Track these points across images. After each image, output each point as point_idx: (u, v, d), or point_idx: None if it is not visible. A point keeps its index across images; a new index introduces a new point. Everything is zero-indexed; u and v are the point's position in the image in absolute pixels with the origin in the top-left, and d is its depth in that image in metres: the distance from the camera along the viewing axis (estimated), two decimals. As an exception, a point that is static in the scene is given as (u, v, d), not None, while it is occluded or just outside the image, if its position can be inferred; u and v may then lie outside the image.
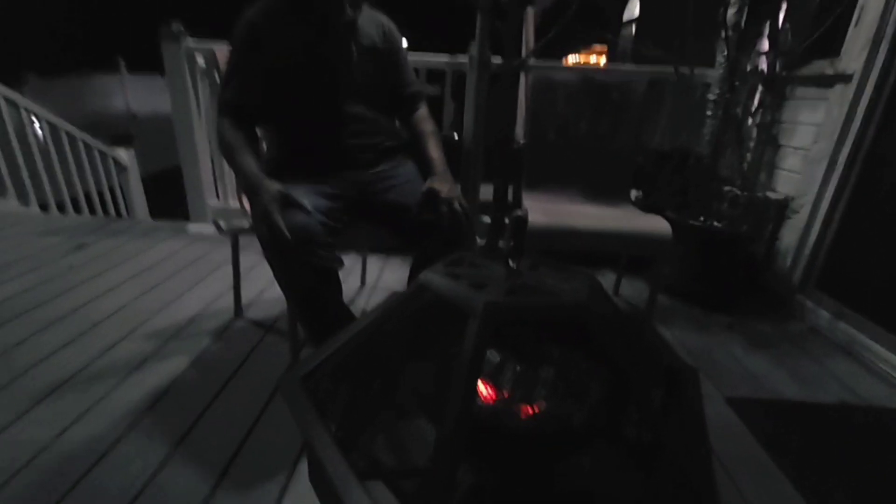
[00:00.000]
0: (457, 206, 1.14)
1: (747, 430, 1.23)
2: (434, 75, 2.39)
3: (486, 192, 2.37)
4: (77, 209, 3.17)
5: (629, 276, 2.17)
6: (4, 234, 2.39)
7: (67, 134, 3.05)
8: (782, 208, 1.96)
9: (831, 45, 1.83)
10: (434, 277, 0.68)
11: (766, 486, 1.06)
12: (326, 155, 1.23)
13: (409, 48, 1.41)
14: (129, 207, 3.53)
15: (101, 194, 3.33)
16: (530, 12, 3.83)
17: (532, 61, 2.14)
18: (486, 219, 2.39)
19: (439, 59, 2.22)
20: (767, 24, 1.93)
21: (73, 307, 1.68)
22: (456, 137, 2.28)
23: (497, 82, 2.13)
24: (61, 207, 3.06)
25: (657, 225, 1.51)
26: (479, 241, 2.40)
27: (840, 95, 1.76)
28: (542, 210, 1.59)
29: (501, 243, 2.32)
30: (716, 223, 1.90)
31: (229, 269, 1.66)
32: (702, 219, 1.91)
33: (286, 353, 1.43)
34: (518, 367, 0.76)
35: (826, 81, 1.83)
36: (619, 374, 0.72)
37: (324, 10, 1.18)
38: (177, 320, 1.63)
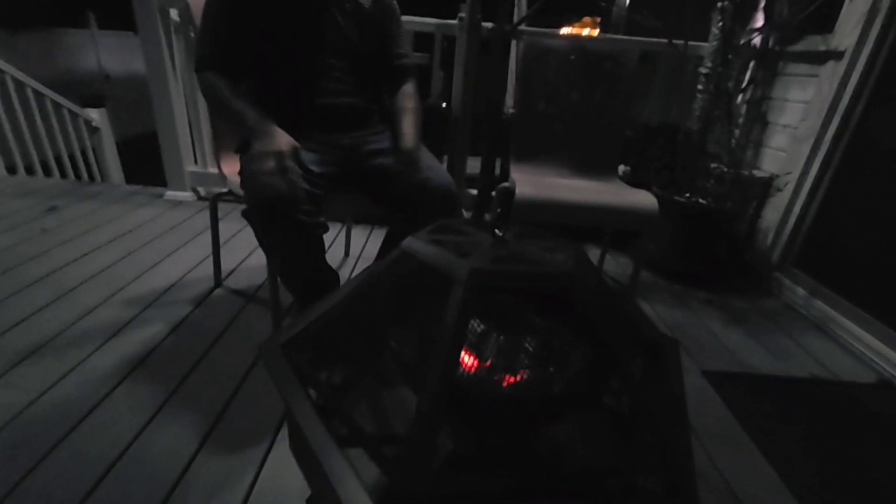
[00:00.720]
0: (412, 156, 1.12)
1: (722, 401, 1.27)
2: (423, 40, 2.31)
3: (475, 165, 2.34)
4: (47, 172, 3.04)
5: (613, 251, 2.19)
6: (-30, 196, 2.28)
7: (34, 92, 2.89)
8: (767, 186, 1.97)
9: (826, 21, 1.81)
10: (418, 244, 0.67)
11: (738, 456, 1.10)
12: (302, 113, 1.17)
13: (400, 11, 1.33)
14: (102, 171, 3.40)
15: (72, 157, 3.19)
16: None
17: (524, 26, 2.07)
18: (474, 191, 2.37)
19: (428, 21, 2.14)
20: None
21: (48, 270, 1.63)
22: (444, 106, 2.23)
23: (488, 49, 2.07)
24: (30, 171, 2.93)
25: (644, 199, 1.51)
26: (466, 214, 2.38)
27: (831, 72, 1.75)
28: (529, 182, 1.58)
29: (488, 215, 2.31)
30: (701, 200, 1.91)
31: (208, 236, 1.62)
32: (687, 195, 1.91)
33: (268, 321, 1.41)
34: (501, 337, 0.76)
35: (818, 58, 1.82)
36: (601, 345, 0.72)
37: None
38: (155, 287, 1.59)
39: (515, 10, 3.35)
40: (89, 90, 4.12)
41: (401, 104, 1.24)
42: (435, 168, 1.17)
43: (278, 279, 1.25)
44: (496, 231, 0.71)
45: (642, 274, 2.00)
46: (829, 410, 1.29)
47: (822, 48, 1.79)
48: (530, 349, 0.77)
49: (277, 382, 0.66)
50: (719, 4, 1.87)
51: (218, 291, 1.61)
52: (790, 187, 1.89)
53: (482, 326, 0.76)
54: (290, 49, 1.15)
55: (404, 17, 1.34)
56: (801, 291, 1.85)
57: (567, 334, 0.77)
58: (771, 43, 1.94)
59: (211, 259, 1.66)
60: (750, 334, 1.64)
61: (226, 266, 1.73)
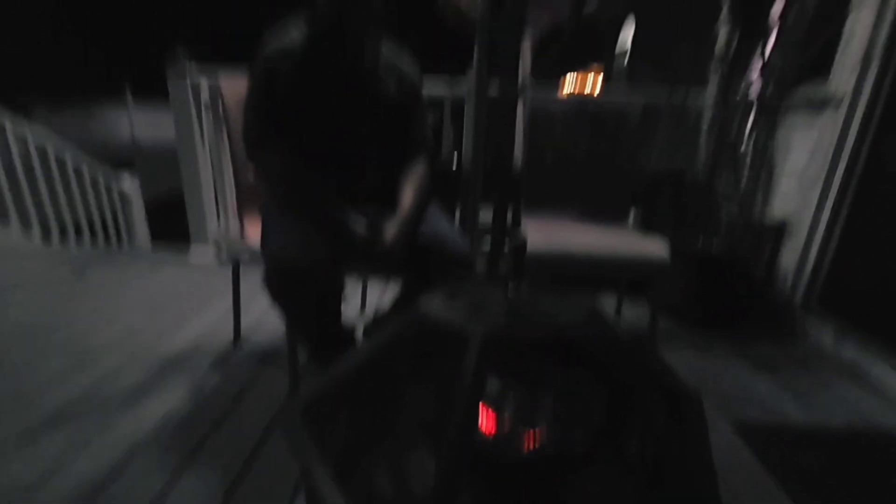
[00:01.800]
0: (391, 249, 1.12)
1: (754, 456, 1.21)
2: (432, 103, 2.44)
3: (487, 215, 2.39)
4: (79, 234, 3.19)
5: (631, 297, 2.16)
6: (7, 264, 2.40)
7: (72, 161, 3.10)
8: (780, 230, 1.97)
9: (821, 67, 1.87)
10: (432, 304, 0.69)
11: (776, 514, 1.04)
12: (336, 186, 1.22)
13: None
14: (130, 233, 3.55)
15: (103, 219, 3.36)
16: (527, 44, 3.94)
17: (529, 84, 2.18)
18: (486, 244, 2.40)
19: (438, 87, 2.26)
20: (759, 45, 1.98)
21: (72, 336, 1.68)
22: (455, 164, 2.31)
23: (495, 108, 2.17)
24: (63, 233, 3.08)
25: (654, 248, 1.52)
26: (480, 266, 2.41)
27: (832, 118, 1.79)
28: (540, 233, 1.60)
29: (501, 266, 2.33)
30: (715, 245, 1.90)
31: (229, 296, 1.66)
32: (700, 240, 1.92)
33: (285, 381, 1.41)
34: (519, 393, 0.75)
35: (817, 105, 1.86)
36: (620, 399, 0.71)
37: (343, 55, 1.17)
38: (176, 349, 1.62)
39: (520, 66, 3.54)
40: (121, 158, 4.40)
41: (409, 179, 1.27)
42: (450, 233, 1.21)
43: (294, 339, 1.27)
44: (509, 288, 0.72)
45: (661, 321, 1.97)
46: (871, 464, 1.22)
47: (820, 96, 1.84)
48: (549, 405, 0.76)
49: (295, 450, 0.66)
50: (715, 59, 1.95)
51: (237, 351, 1.63)
52: (803, 231, 1.88)
53: (500, 383, 0.76)
54: (326, 131, 1.21)
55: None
56: (828, 334, 1.79)
57: (586, 389, 0.76)
58: (769, 91, 2.00)
59: (230, 318, 1.70)
60: (780, 382, 1.57)
61: (245, 324, 1.76)
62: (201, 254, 2.49)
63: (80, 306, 1.91)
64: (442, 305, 0.70)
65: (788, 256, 1.97)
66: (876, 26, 1.64)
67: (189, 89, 2.21)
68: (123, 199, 3.50)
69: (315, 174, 1.19)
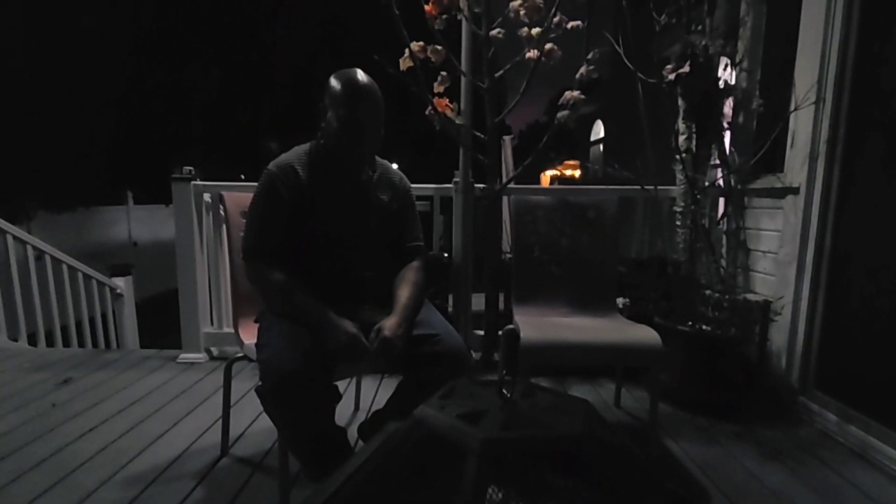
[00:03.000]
0: (388, 342, 1.13)
1: (776, 558, 1.14)
2: (422, 198, 2.59)
3: (478, 302, 2.43)
4: (66, 339, 3.13)
5: (628, 384, 2.14)
6: (-11, 372, 2.33)
7: (68, 267, 3.14)
8: (765, 310, 2.02)
9: (775, 161, 2.06)
10: (430, 413, 0.69)
11: None
12: (331, 289, 1.26)
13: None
14: (119, 336, 3.50)
15: (92, 321, 3.32)
16: (507, 140, 4.29)
17: (513, 184, 2.35)
18: (479, 332, 2.42)
19: (427, 186, 2.42)
20: (715, 146, 2.19)
21: (52, 450, 1.59)
22: (445, 256, 2.40)
23: (481, 203, 2.32)
24: (50, 338, 3.02)
25: (646, 335, 1.55)
26: (475, 355, 2.40)
27: (793, 205, 1.93)
28: (532, 325, 1.63)
29: (496, 357, 2.32)
30: (704, 327, 1.94)
31: (218, 399, 1.62)
32: (689, 323, 1.95)
33: (275, 493, 1.34)
34: (521, 503, 0.73)
35: (777, 193, 2.02)
36: (625, 506, 0.69)
37: (344, 169, 1.29)
38: (160, 461, 1.54)
39: (503, 167, 3.81)
40: (118, 259, 4.48)
41: (405, 276, 1.34)
42: (445, 329, 1.24)
43: (286, 448, 1.23)
44: (503, 392, 0.74)
45: (662, 407, 1.93)
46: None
47: (779, 185, 2.00)
48: (552, 516, 0.74)
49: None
50: (677, 157, 2.14)
51: (224, 461, 1.55)
52: (788, 309, 1.94)
53: (500, 494, 0.74)
54: (326, 239, 1.29)
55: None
56: (831, 417, 1.77)
57: (588, 495, 0.75)
58: (732, 182, 2.18)
59: (219, 424, 1.64)
60: (790, 471, 1.52)
61: (233, 430, 1.69)
62: (192, 357, 2.45)
63: (62, 417, 1.83)
64: (438, 410, 0.70)
65: (778, 336, 2.01)
66: (815, 126, 1.84)
67: (191, 193, 2.33)
68: (116, 299, 3.50)
69: (312, 281, 1.24)
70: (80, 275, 3.22)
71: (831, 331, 1.85)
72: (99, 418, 1.83)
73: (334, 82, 1.23)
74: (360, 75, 1.23)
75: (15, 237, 2.93)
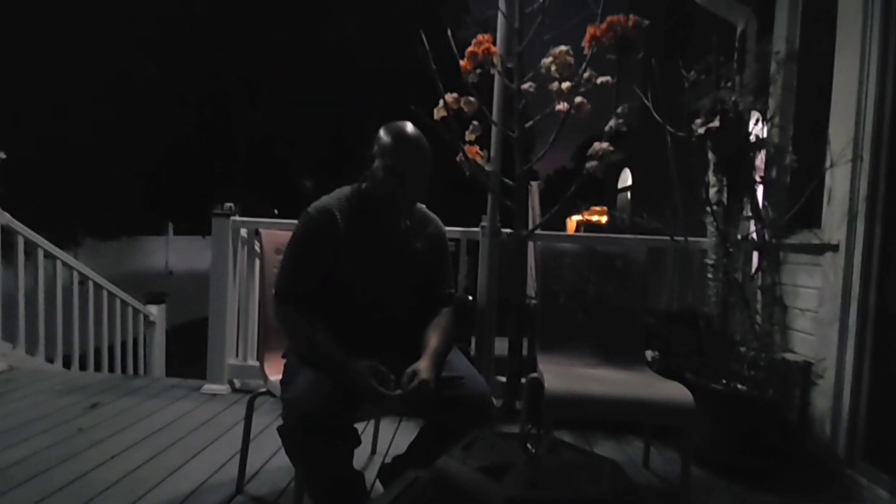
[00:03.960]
0: (425, 385, 1.11)
1: None
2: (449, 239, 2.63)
3: (501, 346, 2.39)
4: (98, 362, 3.23)
5: (657, 443, 2.03)
6: (26, 392, 2.41)
7: (108, 293, 3.29)
8: (806, 371, 1.92)
9: (811, 217, 2.01)
10: (452, 464, 0.68)
11: None
12: (362, 333, 1.26)
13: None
14: (147, 362, 3.59)
15: (123, 345, 3.42)
16: (534, 185, 4.35)
17: (539, 231, 2.36)
18: (502, 378, 2.37)
19: (454, 230, 2.45)
20: (747, 200, 2.16)
21: (74, 476, 1.61)
22: (470, 299, 2.40)
23: (508, 247, 2.33)
24: (83, 360, 3.12)
25: (677, 392, 1.48)
26: (496, 402, 2.34)
27: (832, 262, 1.87)
28: (557, 374, 1.59)
29: (518, 404, 2.26)
30: (739, 386, 1.85)
31: (237, 432, 1.63)
32: (724, 382, 1.86)
33: (288, 537, 1.31)
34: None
35: (816, 249, 1.96)
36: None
37: (383, 217, 1.31)
38: (177, 494, 1.53)
39: (530, 212, 3.85)
40: (154, 287, 4.66)
41: (437, 320, 1.33)
42: (469, 373, 1.23)
43: (303, 489, 1.21)
44: (528, 447, 0.72)
45: (695, 471, 1.82)
46: None
47: (816, 241, 1.94)
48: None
49: None
50: (708, 209, 2.12)
51: (238, 498, 1.53)
52: (831, 372, 1.83)
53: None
54: (359, 286, 1.31)
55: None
56: (883, 494, 1.62)
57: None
58: (767, 236, 2.12)
59: (236, 458, 1.63)
60: (839, 553, 1.39)
61: (251, 465, 1.68)
62: (215, 388, 2.48)
63: (87, 442, 1.87)
64: (461, 463, 0.69)
65: (821, 400, 1.89)
66: (853, 183, 1.80)
67: (230, 228, 2.44)
68: (148, 326, 3.61)
69: (340, 326, 1.24)
70: (118, 301, 3.35)
71: (880, 397, 1.73)
72: (121, 446, 1.85)
73: (384, 132, 1.27)
74: (410, 128, 1.28)
75: (63, 262, 3.11)
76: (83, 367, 3.11)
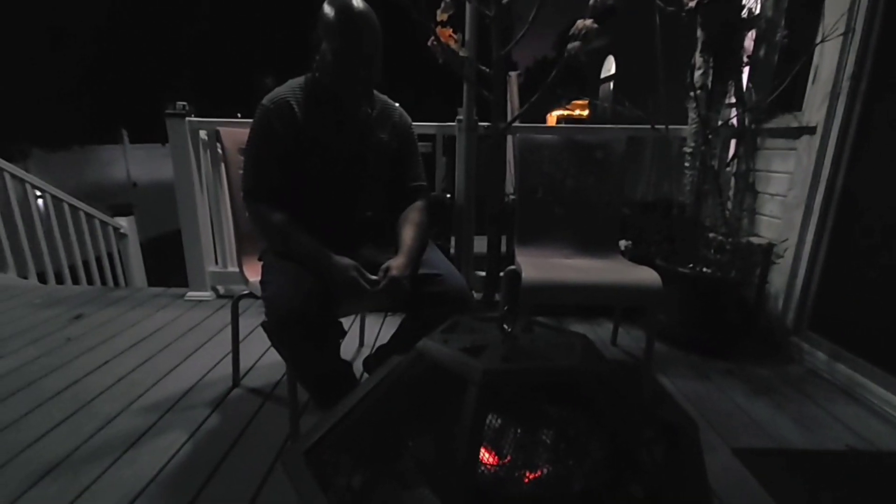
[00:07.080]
0: (396, 282, 1.14)
1: (756, 481, 1.21)
2: (424, 138, 2.52)
3: (480, 245, 2.43)
4: (75, 278, 3.19)
5: (626, 324, 2.19)
6: (3, 308, 2.39)
7: (69, 206, 3.13)
8: (767, 252, 2.02)
9: (793, 99, 1.97)
10: (432, 345, 0.71)
11: (781, 542, 1.04)
12: (332, 229, 1.25)
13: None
14: (126, 275, 3.55)
15: (98, 260, 3.36)
16: (513, 76, 4.09)
17: (517, 123, 2.26)
18: (482, 273, 2.44)
19: (429, 125, 2.34)
20: (732, 83, 2.08)
21: (68, 382, 1.67)
22: (448, 197, 2.37)
23: (485, 142, 2.25)
24: (60, 277, 3.08)
25: (646, 276, 1.55)
26: (476, 295, 2.44)
27: (807, 145, 1.87)
28: (534, 265, 1.64)
29: (497, 297, 2.36)
30: (704, 269, 1.95)
31: (227, 335, 1.67)
32: (690, 266, 1.96)
33: (286, 420, 1.41)
34: (519, 431, 0.77)
35: (792, 133, 1.95)
36: (618, 433, 0.73)
37: (341, 105, 1.23)
38: (174, 392, 1.61)
39: (508, 104, 3.67)
40: (118, 199, 4.45)
41: (408, 216, 1.32)
42: (448, 270, 1.24)
43: (295, 378, 1.28)
44: (505, 327, 0.75)
45: (658, 346, 1.99)
46: (870, 484, 1.22)
47: (795, 125, 1.93)
48: (548, 442, 0.77)
49: (300, 493, 0.67)
50: (692, 94, 2.05)
51: (236, 391, 1.62)
52: (791, 252, 1.94)
53: (499, 422, 0.77)
54: (324, 178, 1.26)
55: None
56: (822, 356, 1.82)
57: (584, 424, 0.78)
58: (746, 122, 2.09)
59: (229, 358, 1.70)
60: (777, 405, 1.59)
61: (243, 363, 1.76)
62: (199, 295, 2.50)
63: (76, 350, 1.90)
64: (441, 344, 0.72)
65: (778, 279, 2.02)
66: (841, 60, 1.74)
67: (187, 130, 2.27)
68: (120, 239, 3.52)
69: (312, 220, 1.22)
70: (82, 214, 3.21)
71: (831, 274, 1.86)
72: (112, 352, 1.90)
73: (328, 9, 1.14)
74: (356, 1, 1.14)
75: (13, 175, 2.90)
76: (60, 282, 3.06)
